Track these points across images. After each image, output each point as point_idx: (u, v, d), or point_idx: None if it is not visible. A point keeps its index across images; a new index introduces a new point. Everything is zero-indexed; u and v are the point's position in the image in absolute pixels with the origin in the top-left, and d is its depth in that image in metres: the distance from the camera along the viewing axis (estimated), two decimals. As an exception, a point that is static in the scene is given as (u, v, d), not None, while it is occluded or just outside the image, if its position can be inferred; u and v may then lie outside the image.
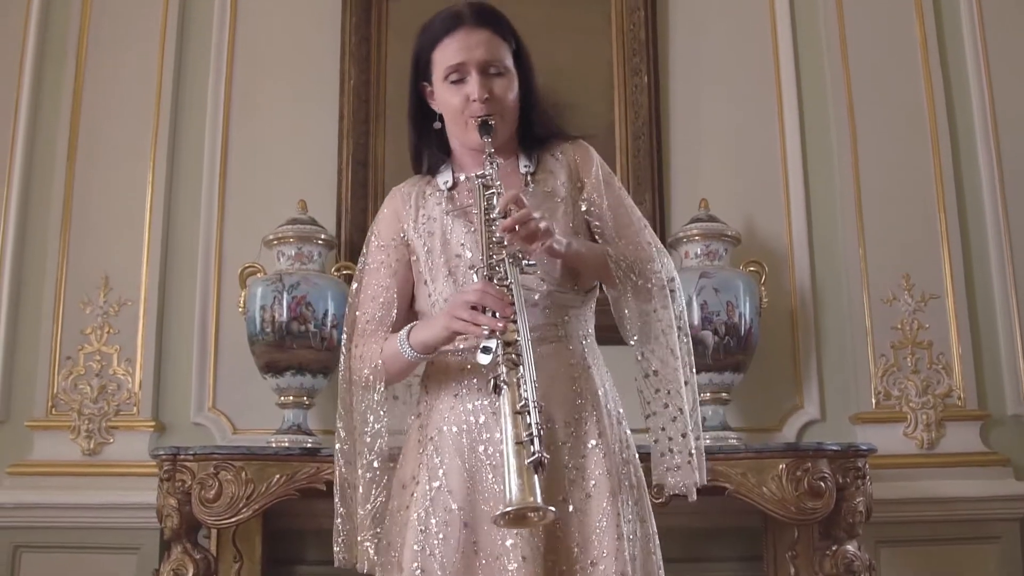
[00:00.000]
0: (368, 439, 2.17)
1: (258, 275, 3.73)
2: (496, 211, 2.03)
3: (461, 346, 2.11)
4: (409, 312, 2.27)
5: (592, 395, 2.16)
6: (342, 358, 2.29)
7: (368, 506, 2.16)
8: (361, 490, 2.16)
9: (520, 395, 1.83)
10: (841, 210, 4.06)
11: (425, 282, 2.23)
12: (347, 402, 2.27)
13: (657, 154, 4.06)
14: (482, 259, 2.02)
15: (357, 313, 2.28)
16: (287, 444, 3.48)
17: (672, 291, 2.23)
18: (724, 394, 3.65)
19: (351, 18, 4.15)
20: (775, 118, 4.15)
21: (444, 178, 2.31)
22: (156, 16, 4.15)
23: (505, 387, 1.85)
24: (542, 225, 2.01)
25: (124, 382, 3.87)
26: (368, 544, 2.15)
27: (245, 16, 4.22)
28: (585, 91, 4.13)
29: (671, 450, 2.17)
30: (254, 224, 3.91)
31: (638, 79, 4.12)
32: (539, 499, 1.74)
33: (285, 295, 3.58)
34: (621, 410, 2.24)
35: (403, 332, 2.14)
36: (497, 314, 1.92)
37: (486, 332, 1.90)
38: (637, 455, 2.22)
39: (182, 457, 3.28)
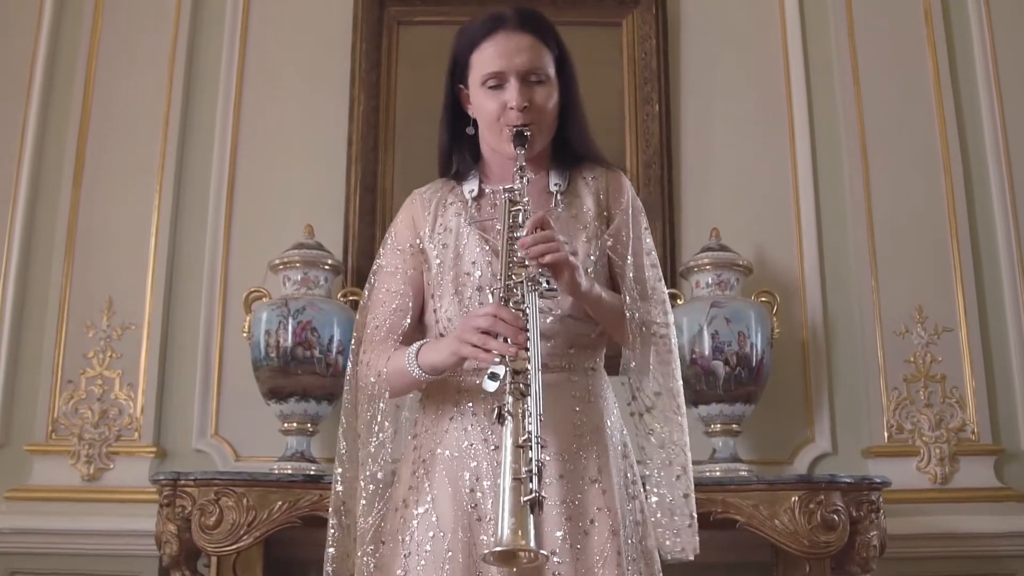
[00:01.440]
0: (372, 449, 2.09)
1: (263, 300, 3.69)
2: (522, 231, 1.94)
3: (464, 366, 2.04)
4: (419, 323, 2.20)
5: (594, 428, 2.07)
6: (349, 363, 2.22)
7: (370, 519, 2.08)
8: (363, 502, 2.08)
9: (524, 428, 1.74)
10: (853, 241, 4.02)
11: (432, 296, 2.15)
12: (350, 409, 2.19)
13: (668, 183, 4.03)
14: (500, 278, 1.93)
15: (368, 317, 2.19)
16: (290, 471, 3.42)
17: (676, 349, 2.18)
18: (735, 425, 3.59)
19: (361, 44, 4.14)
20: (787, 148, 4.12)
21: (470, 187, 2.21)
22: (165, 39, 4.15)
23: (509, 418, 1.76)
24: (568, 253, 1.93)
25: (125, 407, 3.83)
26: (368, 559, 2.06)
27: (255, 40, 4.22)
28: (596, 120, 3.93)
29: (671, 511, 2.10)
30: (260, 249, 3.88)
31: (649, 108, 4.10)
32: (532, 541, 1.65)
33: (290, 320, 3.54)
34: (628, 443, 2.16)
35: (412, 349, 2.05)
36: (509, 340, 1.83)
37: (496, 360, 1.82)
38: (644, 491, 2.15)
39: (182, 482, 3.22)
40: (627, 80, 4.16)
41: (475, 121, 2.19)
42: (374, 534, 2.07)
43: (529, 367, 1.80)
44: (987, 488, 3.76)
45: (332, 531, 2.15)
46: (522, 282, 1.89)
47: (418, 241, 2.20)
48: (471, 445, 2.02)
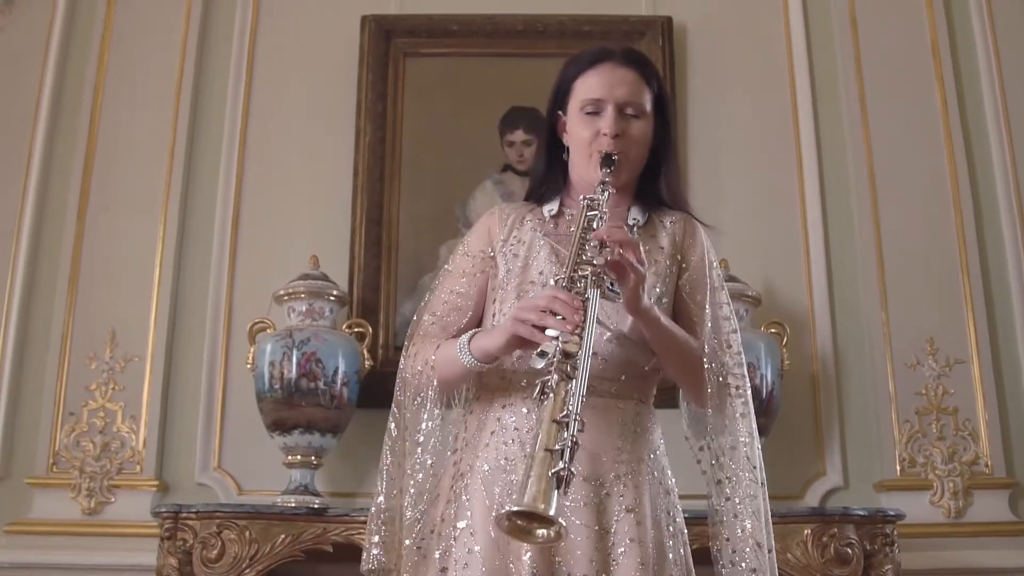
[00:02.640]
0: (422, 438, 2.08)
1: (267, 331, 3.65)
2: (598, 232, 1.94)
3: (509, 378, 2.04)
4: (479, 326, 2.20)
5: (636, 460, 2.04)
6: (402, 356, 2.22)
7: (421, 507, 2.05)
8: (413, 490, 2.06)
9: (564, 405, 1.69)
10: (863, 273, 3.98)
11: (495, 301, 2.18)
12: (400, 400, 2.17)
13: (675, 214, 4.00)
14: (564, 269, 1.92)
15: (425, 315, 2.23)
16: (293, 504, 3.37)
17: (747, 405, 2.11)
18: (745, 458, 3.53)
19: (367, 75, 4.13)
20: (795, 179, 4.10)
21: (550, 207, 2.25)
22: (171, 71, 4.15)
23: (551, 394, 1.71)
24: (639, 259, 1.91)
25: (128, 440, 3.78)
26: (417, 547, 2.02)
27: (260, 71, 4.22)
28: None
29: (732, 563, 2.00)
30: (265, 280, 3.85)
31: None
32: (552, 509, 1.57)
33: (295, 351, 3.51)
34: (672, 481, 2.13)
35: (464, 337, 2.05)
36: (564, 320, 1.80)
37: (552, 335, 1.79)
38: (686, 532, 2.10)
39: (184, 515, 3.18)
40: (634, 111, 4.14)
41: (568, 150, 2.24)
42: (422, 525, 2.04)
43: (580, 352, 1.76)
44: (1002, 522, 3.69)
45: (376, 538, 2.10)
46: (587, 276, 1.88)
47: (490, 250, 2.24)
48: (510, 461, 2.00)
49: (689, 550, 2.08)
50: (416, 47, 4.22)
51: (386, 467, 2.14)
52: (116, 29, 4.22)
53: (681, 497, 3.40)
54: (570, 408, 1.69)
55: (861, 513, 3.20)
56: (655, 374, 2.14)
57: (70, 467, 3.74)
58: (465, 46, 4.21)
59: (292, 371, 3.49)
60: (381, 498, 2.12)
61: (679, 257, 2.20)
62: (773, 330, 3.70)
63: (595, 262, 1.89)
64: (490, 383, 2.12)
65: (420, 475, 2.07)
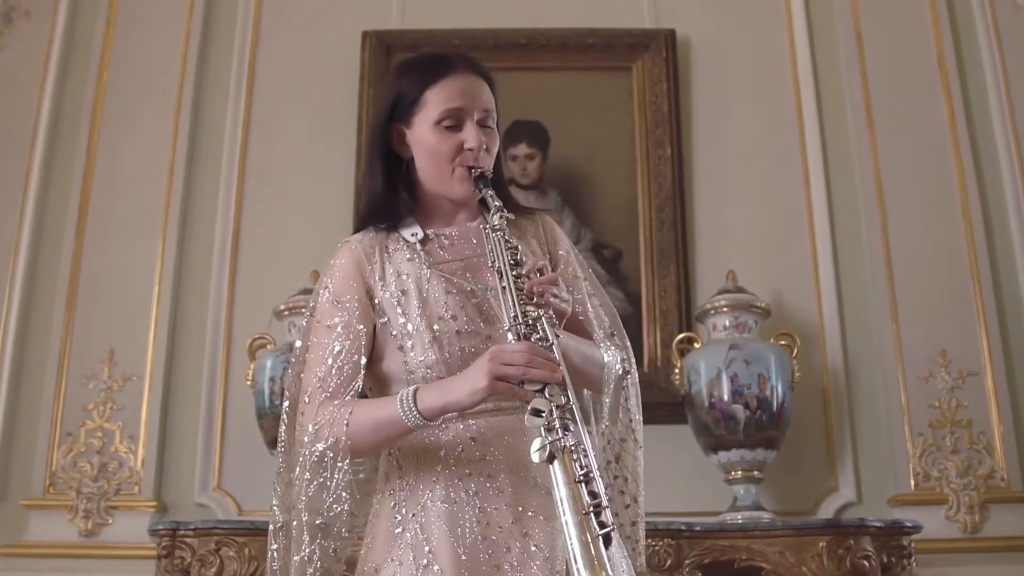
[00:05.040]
0: (322, 522, 1.86)
1: (267, 347, 3.59)
2: (521, 269, 1.86)
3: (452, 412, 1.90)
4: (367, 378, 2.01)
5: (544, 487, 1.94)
6: (282, 428, 1.98)
7: (304, 553, 1.85)
8: (299, 541, 1.86)
9: (581, 463, 1.63)
10: (872, 284, 3.92)
11: (400, 348, 1.96)
12: (286, 479, 1.96)
13: (681, 227, 3.96)
14: (513, 316, 1.82)
15: (306, 376, 1.96)
16: (295, 521, 3.30)
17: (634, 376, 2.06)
18: (756, 472, 3.47)
19: (368, 90, 4.10)
20: (801, 190, 4.06)
21: (411, 231, 2.05)
22: (171, 87, 4.12)
23: (560, 454, 1.64)
24: (565, 296, 1.88)
25: (126, 460, 3.71)
26: None
27: (261, 87, 4.20)
28: (607, 164, 4.07)
29: (621, 539, 1.95)
30: (265, 297, 3.79)
31: (661, 151, 4.04)
32: (610, 573, 1.54)
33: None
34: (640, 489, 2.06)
35: (406, 394, 1.84)
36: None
37: (535, 389, 1.71)
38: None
39: (182, 532, 3.11)
40: (638, 124, 4.11)
41: (407, 164, 2.08)
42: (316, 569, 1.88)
43: (568, 401, 1.71)
44: (1020, 537, 3.59)
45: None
46: (539, 319, 1.81)
47: (365, 291, 2.01)
48: (468, 491, 1.88)
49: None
50: (417, 63, 4.18)
51: (272, 553, 1.96)
52: (115, 47, 4.19)
53: (692, 513, 3.36)
54: (588, 463, 1.64)
55: (877, 525, 3.13)
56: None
57: (67, 488, 3.67)
58: (465, 61, 4.18)
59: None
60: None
61: (547, 255, 2.11)
62: (783, 342, 3.64)
63: (537, 303, 1.83)
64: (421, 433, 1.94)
65: (307, 536, 1.86)
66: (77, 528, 3.62)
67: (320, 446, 1.85)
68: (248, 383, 3.59)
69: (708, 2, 4.34)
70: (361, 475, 1.99)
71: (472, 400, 1.81)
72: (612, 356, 2.00)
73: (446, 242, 2.05)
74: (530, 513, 1.85)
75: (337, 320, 1.96)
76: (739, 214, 4.02)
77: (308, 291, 3.59)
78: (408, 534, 1.87)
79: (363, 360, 1.93)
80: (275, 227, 4.01)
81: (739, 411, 3.42)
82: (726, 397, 3.43)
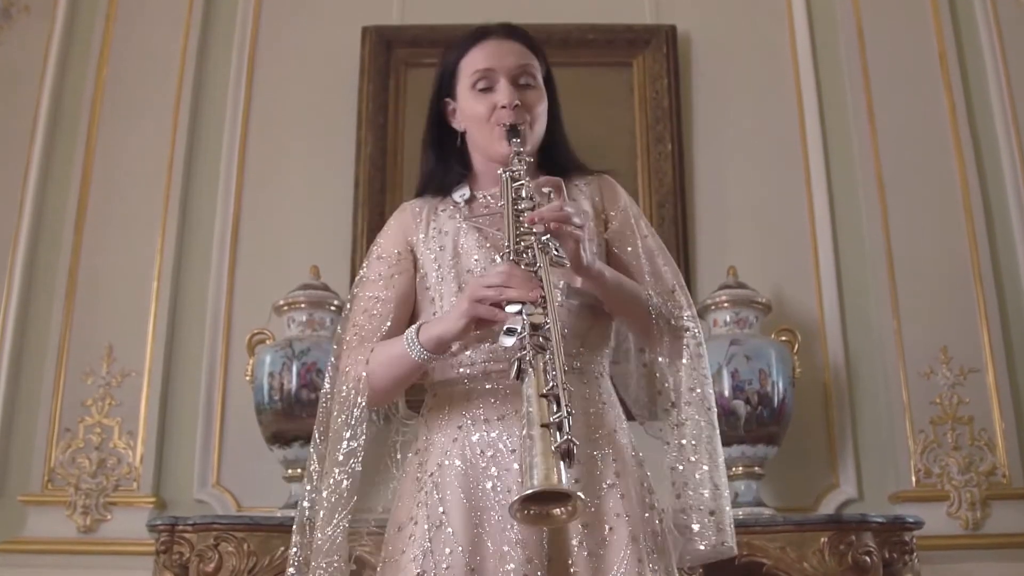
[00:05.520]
0: (340, 456, 1.92)
1: (267, 342, 3.58)
2: (526, 203, 1.87)
3: (470, 371, 1.95)
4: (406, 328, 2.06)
5: (608, 432, 1.96)
6: (327, 377, 2.08)
7: (328, 530, 1.89)
8: (323, 514, 1.91)
9: (547, 379, 1.61)
10: (873, 281, 3.91)
11: (432, 300, 2.05)
12: (324, 424, 2.03)
13: (682, 223, 3.94)
14: (506, 245, 1.84)
15: (348, 329, 2.07)
16: (293, 515, 3.27)
17: (701, 346, 2.06)
18: (757, 468, 3.46)
19: (368, 85, 4.09)
20: (802, 185, 4.05)
21: (461, 192, 2.13)
22: (171, 81, 4.11)
23: (531, 370, 1.63)
24: (576, 221, 1.84)
25: (124, 456, 3.70)
26: (323, 573, 1.88)
27: (261, 82, 4.18)
28: (608, 159, 3.96)
29: (689, 508, 1.95)
30: (265, 293, 3.78)
31: (662, 147, 4.03)
32: (566, 484, 1.51)
33: (295, 362, 3.44)
34: (640, 453, 2.03)
35: (411, 330, 1.92)
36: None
37: (514, 311, 1.71)
38: (659, 502, 2.01)
39: (180, 528, 3.09)
40: (639, 120, 4.10)
41: (462, 136, 2.15)
42: (330, 547, 1.89)
43: (547, 320, 1.69)
44: (1022, 533, 3.58)
45: (295, 549, 1.97)
46: (531, 246, 1.81)
47: (409, 247, 2.11)
48: (484, 453, 1.90)
49: (666, 524, 1.98)
50: (417, 58, 4.16)
51: (306, 492, 2.02)
52: (115, 42, 4.18)
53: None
54: (553, 379, 1.62)
55: (879, 520, 3.12)
56: (606, 341, 2.07)
57: (65, 484, 3.66)
58: (467, 56, 4.16)
59: (292, 382, 3.42)
60: (295, 527, 2.00)
61: (604, 216, 2.13)
62: (784, 338, 3.63)
63: (534, 230, 1.82)
64: (444, 382, 2.01)
65: (333, 497, 1.92)
66: (75, 524, 3.61)
67: (348, 385, 1.96)
68: (247, 379, 3.57)
69: (709, -2, 4.33)
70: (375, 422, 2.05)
71: (459, 325, 1.84)
72: (664, 304, 2.01)
73: (491, 200, 2.10)
74: None
75: (378, 274, 2.08)
76: (740, 210, 4.01)
77: (308, 286, 3.61)
78: (423, 493, 1.91)
79: (390, 309, 2.03)
80: (274, 223, 4.00)
81: (740, 407, 3.41)
82: (727, 393, 3.42)
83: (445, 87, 2.15)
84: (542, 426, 1.56)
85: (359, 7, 4.25)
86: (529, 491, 1.51)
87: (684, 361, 2.02)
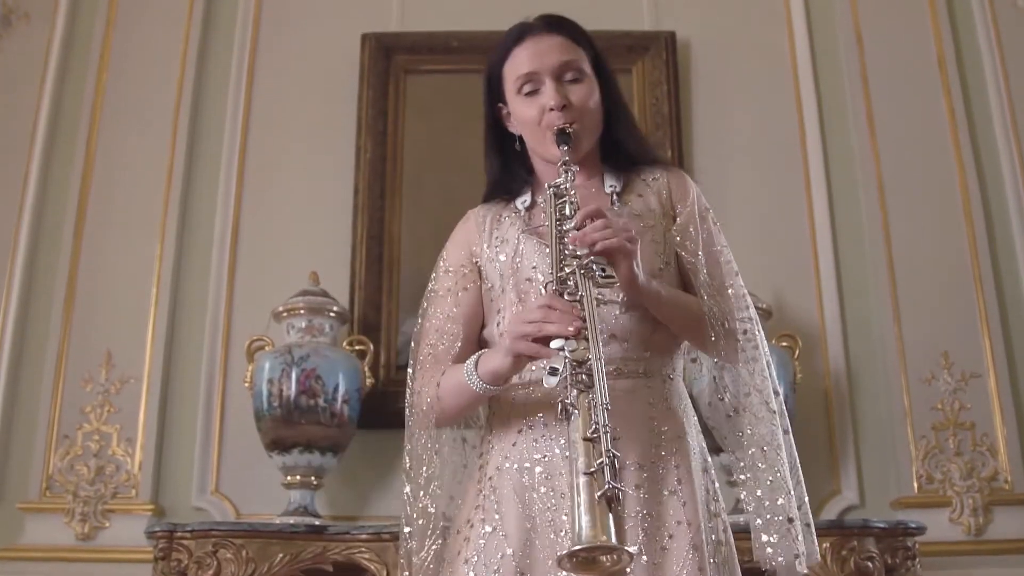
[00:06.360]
0: (422, 481, 1.94)
1: (266, 349, 3.57)
2: (571, 222, 1.83)
3: (529, 377, 1.91)
4: (478, 343, 2.06)
5: (674, 437, 1.92)
6: (407, 389, 2.07)
7: (423, 554, 1.92)
8: (414, 540, 1.93)
9: (591, 420, 1.59)
10: (874, 286, 3.90)
11: (497, 311, 2.03)
12: (411, 431, 2.02)
13: (682, 228, 3.93)
14: (551, 271, 1.81)
15: (422, 344, 2.06)
16: (292, 522, 3.27)
17: (764, 346, 2.03)
18: (758, 474, 3.43)
19: (368, 92, 4.09)
20: (802, 191, 4.04)
21: (522, 199, 2.12)
22: (170, 89, 4.10)
23: (575, 411, 1.61)
24: (624, 240, 1.79)
25: (123, 463, 3.68)
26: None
27: (260, 89, 4.18)
28: None
29: (765, 518, 1.89)
30: (264, 299, 3.76)
31: (661, 153, 4.02)
32: (613, 538, 1.50)
33: (294, 368, 3.42)
34: (709, 459, 2.02)
35: (471, 361, 1.89)
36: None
37: (557, 347, 1.68)
38: (725, 511, 2.00)
39: (179, 534, 3.08)
40: (639, 126, 4.08)
41: (521, 138, 2.12)
42: (425, 572, 1.92)
43: (590, 356, 1.66)
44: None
45: (405, 573, 1.99)
46: (573, 271, 1.77)
47: (474, 259, 2.09)
48: (543, 458, 1.89)
49: (731, 533, 1.97)
50: (417, 64, 4.18)
51: (407, 496, 2.02)
52: (115, 48, 4.17)
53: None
54: (597, 420, 1.60)
55: (881, 526, 3.11)
56: (676, 341, 2.02)
57: (64, 491, 3.64)
58: (466, 62, 4.12)
59: (291, 388, 3.40)
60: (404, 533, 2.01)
61: (672, 213, 2.09)
62: (784, 343, 3.61)
63: (578, 253, 1.78)
64: (504, 388, 1.97)
65: (421, 520, 1.95)
66: (74, 531, 3.59)
67: (424, 408, 1.97)
68: (246, 385, 3.56)
69: (708, 4, 4.32)
70: (466, 441, 2.07)
71: (506, 362, 1.82)
72: (718, 306, 1.97)
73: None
74: None
75: (446, 289, 2.08)
76: (740, 215, 3.98)
77: (307, 293, 3.60)
78: (482, 496, 1.92)
79: (460, 326, 2.02)
80: (274, 229, 3.99)
81: (741, 412, 3.39)
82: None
83: (495, 92, 2.13)
84: (586, 474, 1.55)
85: (359, 14, 4.25)
86: (577, 547, 1.51)
87: (740, 365, 1.97)
